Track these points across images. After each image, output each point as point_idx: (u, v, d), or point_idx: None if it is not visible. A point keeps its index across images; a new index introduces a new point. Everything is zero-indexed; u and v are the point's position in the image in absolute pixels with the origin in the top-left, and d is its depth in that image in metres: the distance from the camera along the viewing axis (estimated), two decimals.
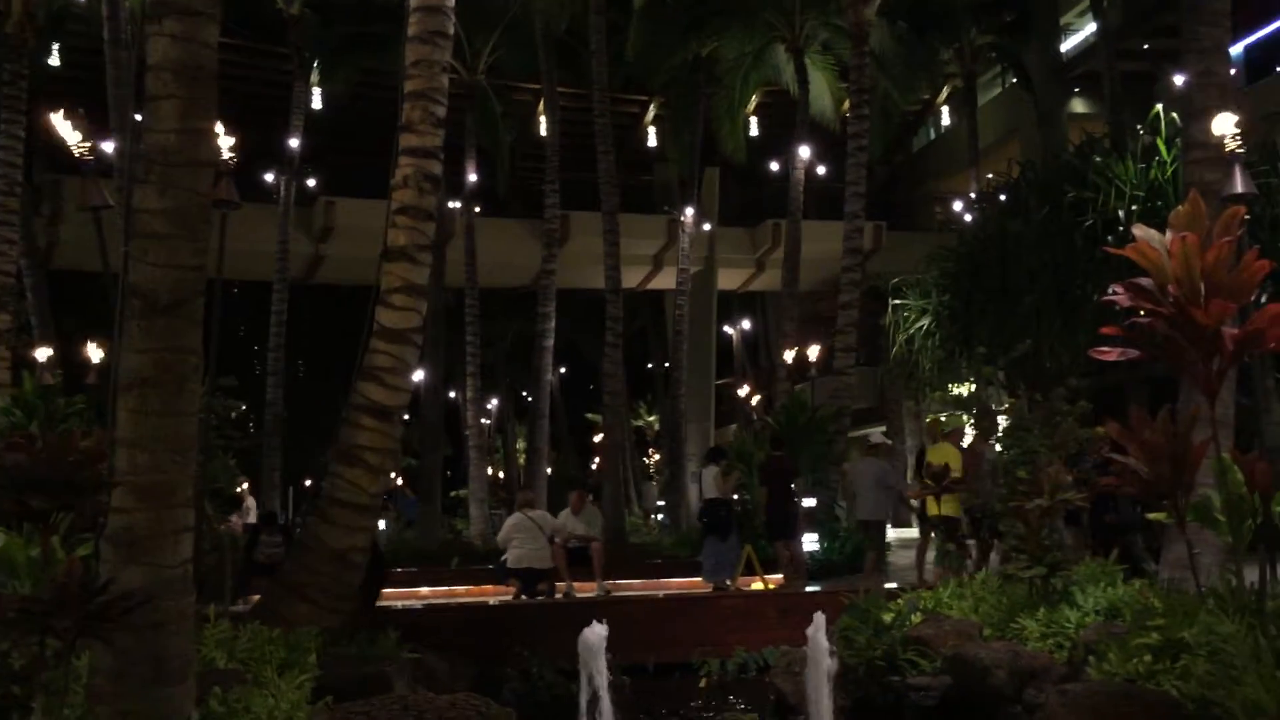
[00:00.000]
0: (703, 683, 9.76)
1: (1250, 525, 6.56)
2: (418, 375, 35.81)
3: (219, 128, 8.39)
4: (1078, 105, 33.94)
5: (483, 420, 44.59)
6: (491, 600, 12.83)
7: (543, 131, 26.69)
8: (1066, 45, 33.12)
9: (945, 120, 40.02)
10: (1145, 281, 6.86)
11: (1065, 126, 29.05)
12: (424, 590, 14.21)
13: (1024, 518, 8.88)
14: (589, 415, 48.43)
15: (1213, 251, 6.55)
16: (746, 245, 35.49)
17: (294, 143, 24.81)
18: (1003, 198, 22.05)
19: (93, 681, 5.25)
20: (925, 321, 22.00)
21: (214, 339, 8.59)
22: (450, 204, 27.80)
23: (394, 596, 11.97)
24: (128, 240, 5.40)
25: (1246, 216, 15.82)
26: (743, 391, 30.41)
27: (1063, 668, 7.25)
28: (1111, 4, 26.16)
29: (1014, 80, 33.09)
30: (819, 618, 6.92)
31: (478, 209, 28.59)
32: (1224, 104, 8.85)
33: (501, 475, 40.26)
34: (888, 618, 8.85)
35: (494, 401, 47.35)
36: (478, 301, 25.92)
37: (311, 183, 31.09)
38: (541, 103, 27.75)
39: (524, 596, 13.57)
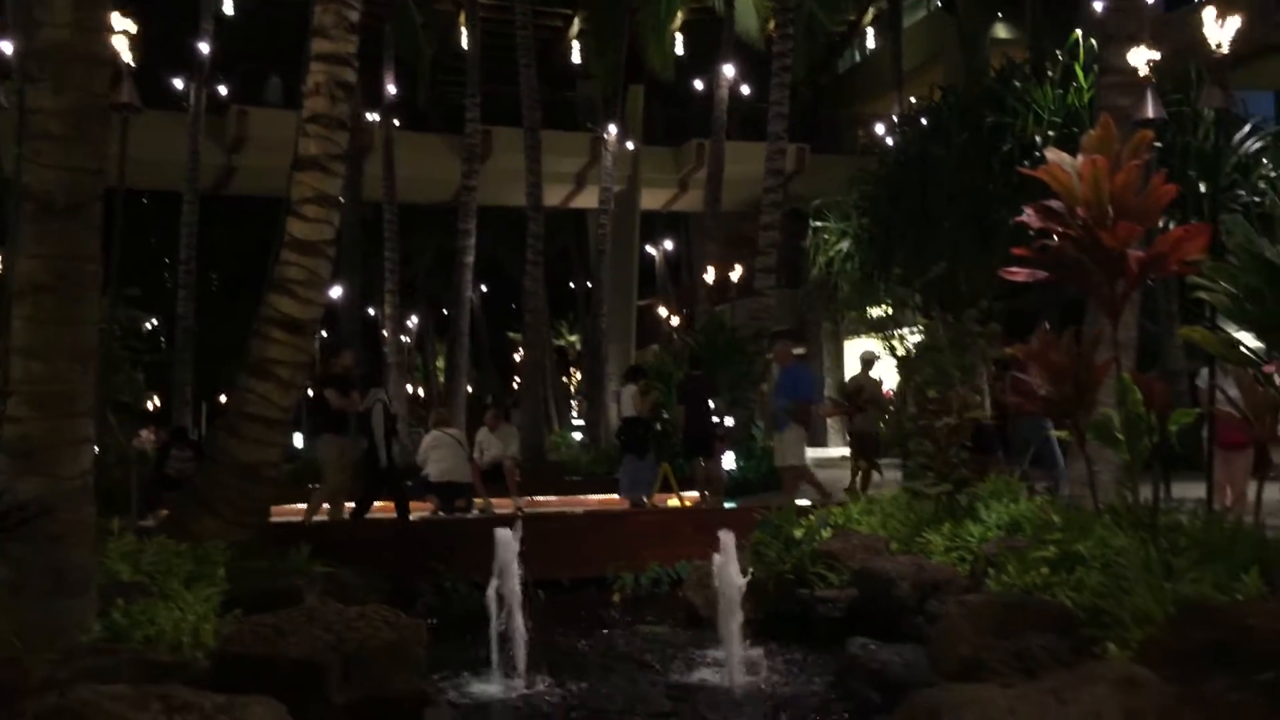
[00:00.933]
0: (616, 596, 9.88)
1: (1147, 444, 6.77)
2: (334, 291, 35.36)
3: (120, 25, 8.07)
4: (1001, 30, 34.06)
5: (402, 338, 44.27)
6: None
7: (464, 43, 26.14)
8: None
9: (871, 43, 39.98)
10: (1056, 204, 6.96)
11: (988, 51, 29.15)
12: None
13: (932, 436, 9.08)
14: (511, 334, 48.22)
15: (1121, 175, 6.64)
16: (670, 165, 35.29)
17: (204, 47, 23.96)
18: (924, 122, 22.14)
19: None
20: (845, 244, 22.14)
21: (116, 247, 8.33)
22: (368, 115, 27.19)
23: (304, 513, 11.87)
24: (20, 141, 5.17)
25: (1158, 144, 16.14)
26: (664, 311, 30.43)
27: (965, 580, 7.46)
28: None
29: (939, 3, 33.10)
30: (725, 533, 7.02)
31: (396, 122, 27.97)
32: (1140, 31, 8.93)
33: (422, 393, 40.02)
34: (799, 533, 9.02)
35: (414, 319, 46.95)
36: (396, 217, 25.46)
37: (225, 90, 30.13)
38: (463, 13, 27.14)
39: (441, 513, 13.63)
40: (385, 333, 26.23)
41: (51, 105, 5.09)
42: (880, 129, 27.94)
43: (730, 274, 22.98)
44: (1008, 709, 3.40)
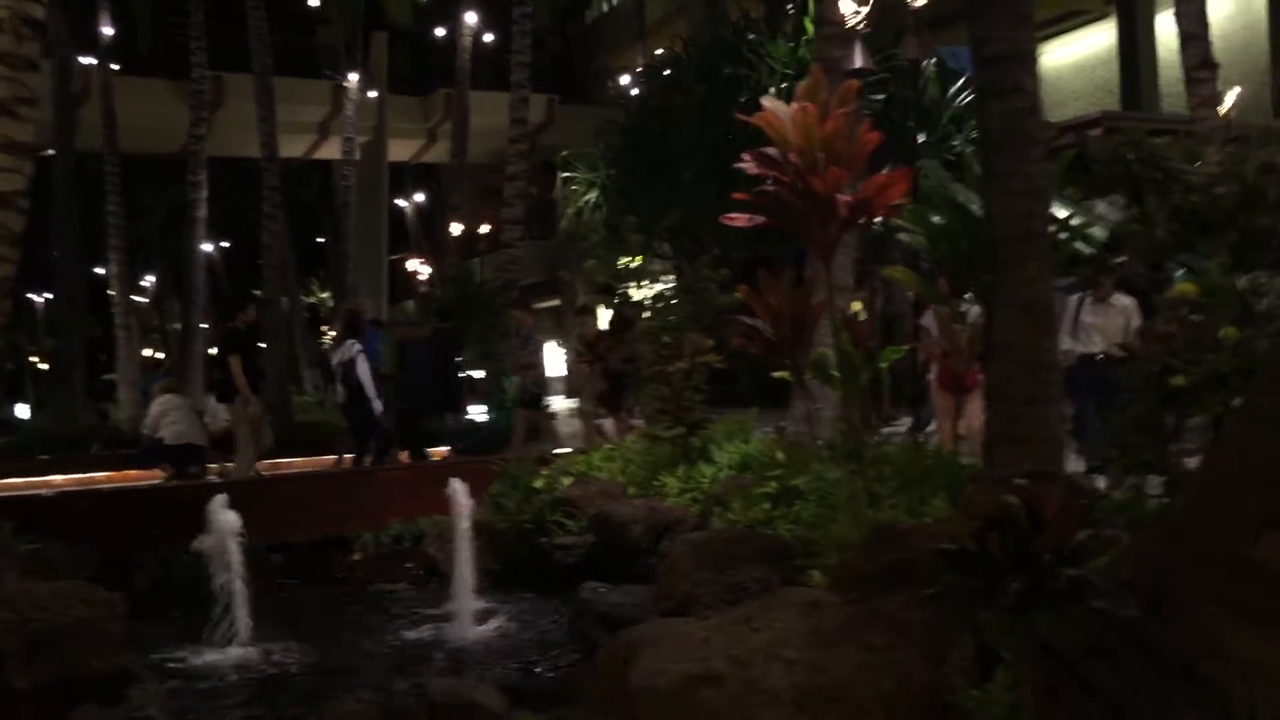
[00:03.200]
0: (357, 556, 9.65)
1: (860, 381, 7.10)
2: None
3: None
4: None
5: (136, 298, 41.71)
6: (136, 485, 12.11)
7: None
8: None
9: None
10: (772, 151, 7.15)
11: (729, 4, 29.84)
12: (57, 479, 13.21)
13: (667, 381, 9.25)
14: (256, 291, 46.22)
15: (830, 122, 6.86)
16: (418, 115, 34.53)
17: None
18: (667, 73, 22.46)
19: None
20: (592, 195, 22.29)
21: None
22: (81, 59, 25.23)
23: (19, 487, 11.03)
24: None
25: (881, 96, 16.89)
26: (412, 265, 29.86)
27: (696, 519, 7.66)
28: None
29: None
30: (455, 482, 6.95)
31: (116, 67, 26.08)
32: None
33: (161, 355, 37.89)
34: (539, 483, 9.05)
35: (152, 278, 44.32)
36: (118, 169, 23.81)
37: None
38: None
39: (176, 480, 12.97)
40: (112, 293, 24.55)
41: None
42: (626, 80, 28.15)
43: (479, 227, 22.68)
44: (703, 638, 3.48)
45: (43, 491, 10.88)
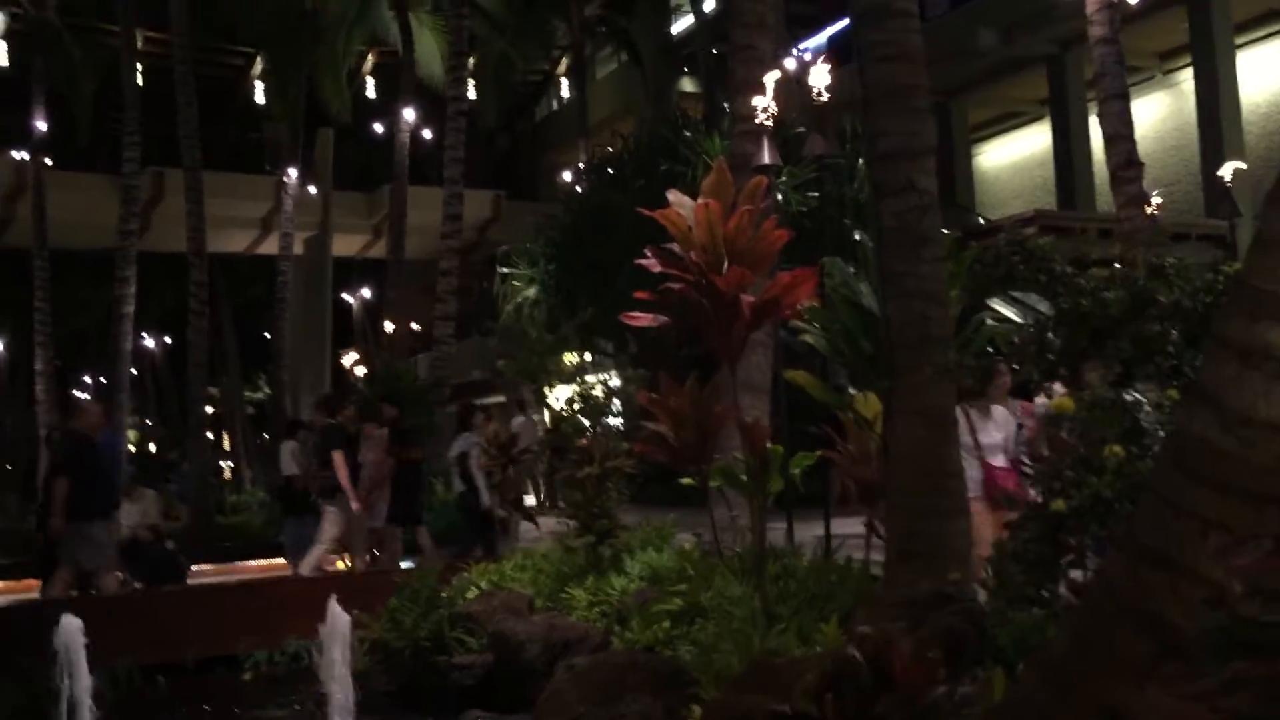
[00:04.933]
0: (248, 675, 9.04)
1: (769, 489, 6.74)
2: None
3: None
4: (688, 84, 35.31)
5: (78, 394, 40.79)
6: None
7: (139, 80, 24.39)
8: (678, 26, 34.38)
9: (566, 92, 40.52)
10: (675, 247, 6.87)
11: (676, 103, 30.09)
12: None
13: (579, 485, 8.83)
14: (211, 389, 45.40)
15: (734, 219, 6.61)
16: (363, 210, 34.42)
17: None
18: (609, 170, 22.43)
19: None
20: (532, 291, 22.03)
21: None
22: (15, 154, 24.88)
23: None
24: None
25: (817, 193, 16.79)
26: (348, 361, 29.39)
27: (600, 637, 7.19)
28: None
29: (626, 57, 33.93)
30: (333, 604, 6.45)
31: (52, 162, 25.75)
32: (762, 79, 9.10)
33: None
34: (444, 595, 8.55)
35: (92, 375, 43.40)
36: (47, 264, 23.33)
37: None
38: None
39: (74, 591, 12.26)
40: (38, 389, 23.85)
41: None
42: (569, 176, 28.18)
43: (412, 323, 22.32)
44: None
45: None
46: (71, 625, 5.96)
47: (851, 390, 6.49)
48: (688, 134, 18.93)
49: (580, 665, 5.60)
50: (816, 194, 16.77)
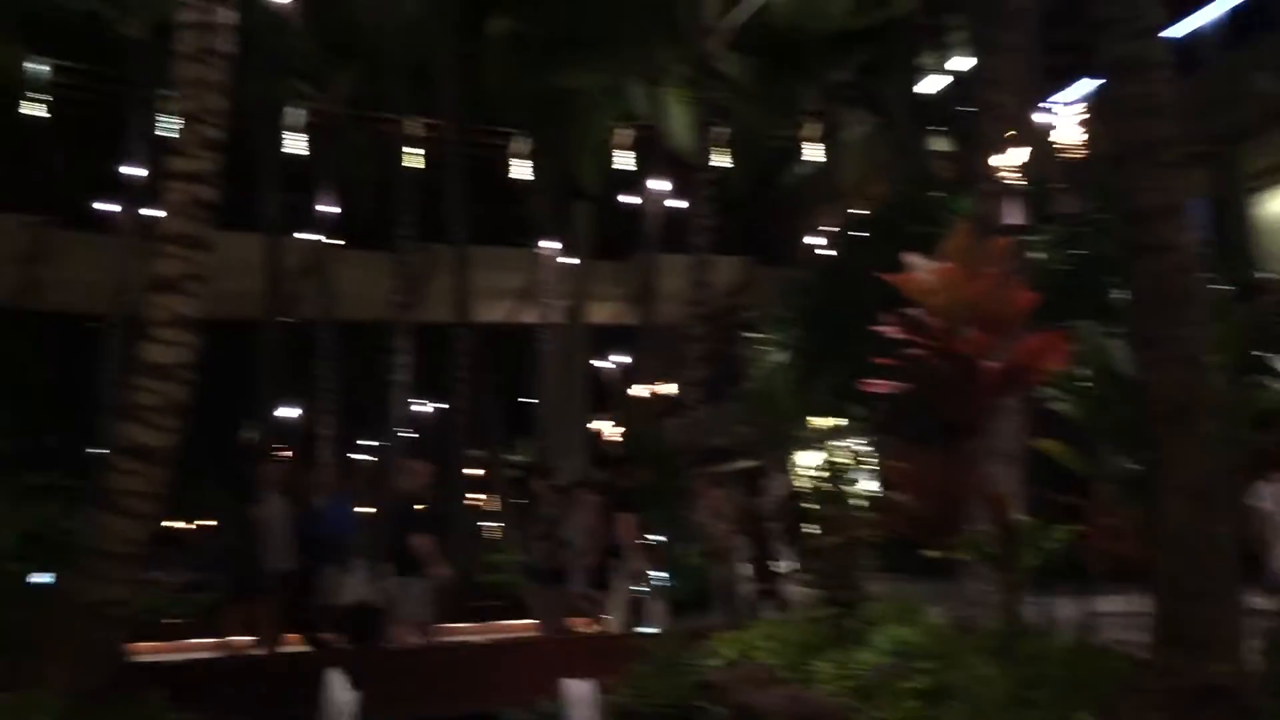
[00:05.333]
0: None
1: (1023, 564, 6.41)
2: (287, 410, 34.80)
3: None
4: (941, 144, 34.58)
5: (357, 457, 43.52)
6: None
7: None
8: (929, 86, 33.80)
9: (816, 156, 40.47)
10: (915, 312, 6.72)
11: (927, 164, 29.52)
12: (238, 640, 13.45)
13: (824, 555, 8.67)
14: (473, 451, 47.53)
15: (977, 282, 6.41)
16: (618, 279, 35.34)
17: (137, 171, 23.90)
18: (858, 233, 22.20)
19: None
20: (781, 356, 21.96)
21: None
22: (308, 236, 27.13)
23: (195, 648, 11.27)
24: None
25: (1080, 251, 15.95)
26: (598, 426, 30.15)
27: (843, 714, 6.99)
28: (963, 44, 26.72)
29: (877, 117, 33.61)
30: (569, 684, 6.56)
31: (339, 241, 27.95)
32: (1008, 136, 8.80)
33: None
34: (689, 662, 8.55)
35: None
36: (332, 336, 25.21)
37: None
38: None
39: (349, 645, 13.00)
40: (324, 453, 25.68)
41: None
42: (816, 240, 28.10)
43: (660, 389, 22.69)
44: None
45: (194, 657, 11.02)
46: (338, 679, 6.28)
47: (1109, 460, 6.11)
48: (936, 194, 18.49)
49: None
50: (1074, 252, 15.99)
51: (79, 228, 28.10)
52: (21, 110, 26.85)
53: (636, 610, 13.23)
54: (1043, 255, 14.49)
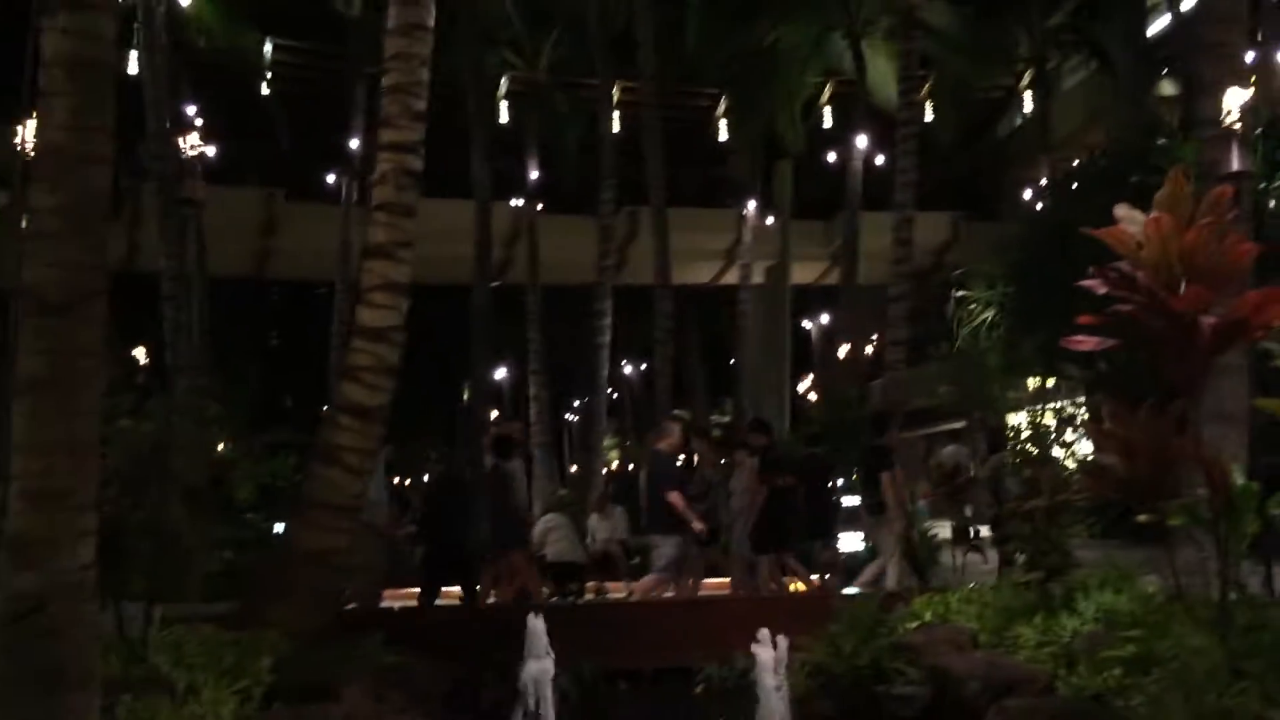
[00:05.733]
0: (699, 689, 9.43)
1: (1244, 530, 6.06)
2: (499, 372, 35.93)
3: (194, 128, 8.39)
4: (1167, 88, 32.54)
5: (568, 417, 44.77)
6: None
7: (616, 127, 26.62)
8: (1154, 27, 31.81)
9: (1029, 105, 38.77)
10: (1125, 266, 6.41)
11: (1154, 109, 27.89)
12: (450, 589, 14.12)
13: (1028, 518, 8.42)
14: (676, 412, 48.13)
15: (1192, 234, 6.06)
16: (820, 238, 34.85)
17: (354, 143, 25.10)
18: (1075, 185, 21.26)
19: None
20: (989, 314, 21.30)
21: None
22: (513, 201, 27.89)
23: (408, 597, 11.90)
24: (22, 240, 5.34)
25: None
26: (801, 388, 29.91)
27: (1044, 679, 6.80)
28: None
29: (1097, 63, 31.91)
30: (763, 633, 6.61)
31: (542, 206, 28.62)
32: (1234, 78, 8.21)
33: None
34: (885, 624, 8.48)
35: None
36: (539, 300, 25.95)
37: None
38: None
39: (554, 597, 13.47)
40: (532, 413, 26.50)
41: (49, 203, 5.22)
42: (1029, 194, 26.99)
43: (864, 348, 22.34)
44: None
45: (410, 604, 11.60)
46: (538, 627, 6.53)
47: None
48: (1160, 141, 17.47)
49: (1013, 707, 5.35)
50: None
51: (308, 199, 29.79)
52: (259, 90, 28.58)
53: (846, 571, 13.20)
54: (1271, 204, 13.55)
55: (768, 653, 6.56)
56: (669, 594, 11.90)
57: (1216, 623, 5.51)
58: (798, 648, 7.92)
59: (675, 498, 11.37)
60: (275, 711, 5.22)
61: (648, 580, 12.08)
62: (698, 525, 11.39)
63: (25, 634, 5.10)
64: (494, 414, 31.79)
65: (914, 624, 8.39)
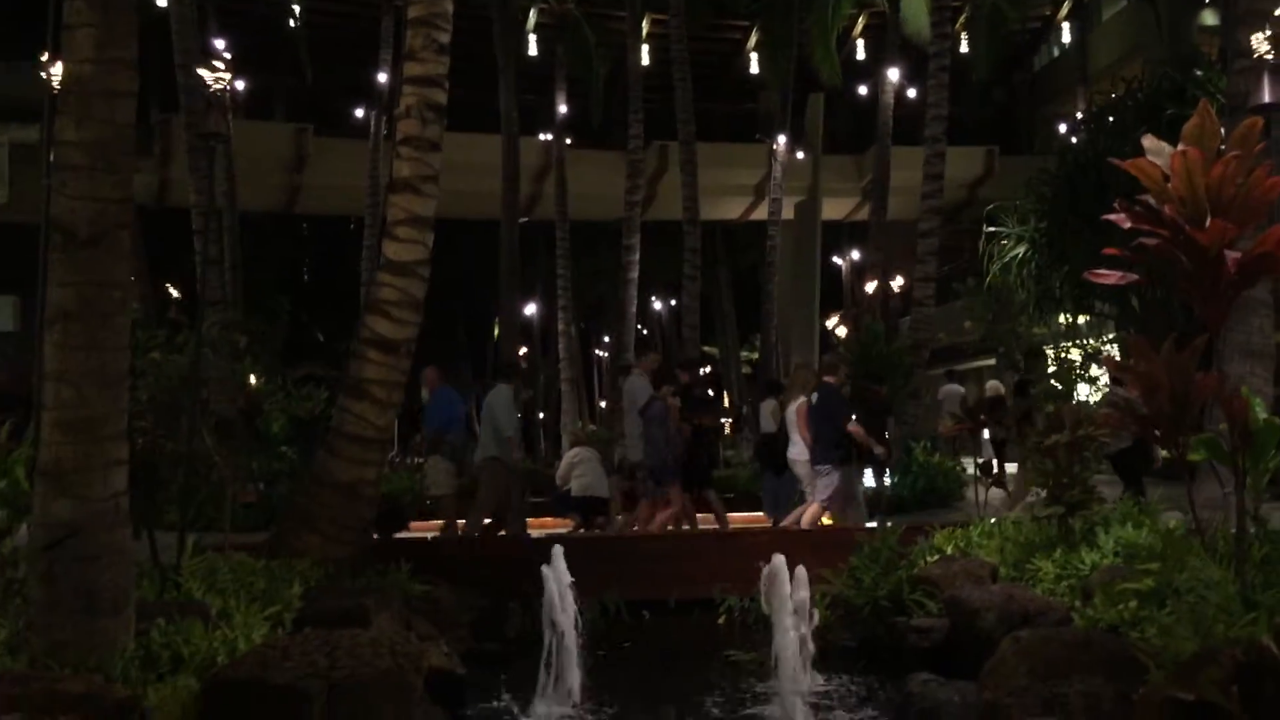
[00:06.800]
0: (722, 619, 9.56)
1: (1266, 466, 6.06)
2: (529, 308, 35.97)
3: (222, 61, 8.42)
4: (1209, 17, 31.80)
5: (598, 352, 44.86)
6: (538, 533, 12.84)
7: (645, 60, 26.33)
8: None
9: (1067, 37, 38.03)
10: (1150, 200, 6.35)
11: (1194, 40, 27.29)
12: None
13: (1050, 454, 8.43)
14: (706, 348, 48.17)
15: (1218, 168, 5.99)
16: (852, 173, 34.48)
17: (382, 78, 25.00)
18: (1111, 118, 20.89)
19: (28, 612, 5.37)
20: (1021, 249, 21.09)
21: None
22: (541, 136, 27.74)
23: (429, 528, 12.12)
24: (48, 173, 5.41)
25: None
26: (830, 323, 29.77)
27: (1061, 612, 6.87)
28: None
29: None
30: (777, 559, 6.69)
31: (570, 141, 28.45)
32: (1270, 7, 8.04)
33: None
34: (907, 556, 8.58)
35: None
36: (568, 235, 25.90)
37: None
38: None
39: (581, 529, 13.65)
40: (561, 348, 26.62)
41: (75, 137, 5.28)
42: (1064, 128, 26.54)
43: (892, 284, 22.20)
44: None
45: (431, 535, 11.80)
46: (559, 557, 6.64)
47: None
48: (1199, 73, 17.12)
49: (1027, 638, 5.40)
50: None
51: (337, 134, 29.75)
52: (287, 25, 28.47)
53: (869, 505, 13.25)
54: None
55: (779, 579, 6.63)
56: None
57: (1233, 556, 5.52)
58: (820, 580, 8.02)
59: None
60: (305, 634, 5.34)
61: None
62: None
63: (61, 560, 5.26)
64: (523, 350, 31.87)
65: (934, 557, 8.45)
